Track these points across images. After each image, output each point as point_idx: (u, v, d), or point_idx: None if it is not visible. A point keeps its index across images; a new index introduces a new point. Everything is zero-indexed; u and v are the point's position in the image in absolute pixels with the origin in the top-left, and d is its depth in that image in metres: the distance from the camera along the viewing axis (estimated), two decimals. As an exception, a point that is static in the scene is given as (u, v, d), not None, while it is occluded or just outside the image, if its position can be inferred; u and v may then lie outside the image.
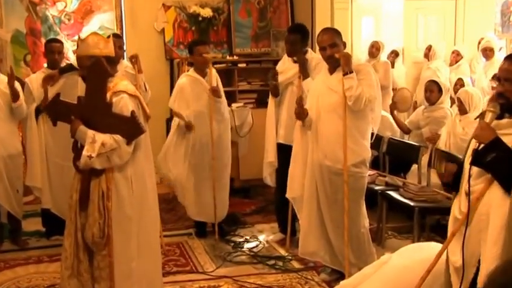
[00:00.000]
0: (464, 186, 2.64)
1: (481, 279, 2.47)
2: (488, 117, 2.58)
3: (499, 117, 2.58)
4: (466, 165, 2.65)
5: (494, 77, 5.96)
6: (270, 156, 4.96)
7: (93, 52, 3.19)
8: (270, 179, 5.07)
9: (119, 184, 3.19)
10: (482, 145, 2.53)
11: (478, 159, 2.53)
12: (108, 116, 3.14)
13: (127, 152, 3.13)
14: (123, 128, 3.11)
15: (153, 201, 3.41)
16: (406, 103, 6.05)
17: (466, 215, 2.58)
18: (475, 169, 2.58)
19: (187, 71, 5.36)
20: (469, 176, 2.58)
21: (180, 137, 5.05)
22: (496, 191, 2.52)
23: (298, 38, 4.78)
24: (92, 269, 3.25)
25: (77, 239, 3.23)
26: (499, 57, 6.74)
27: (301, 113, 3.95)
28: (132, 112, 3.12)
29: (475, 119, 2.88)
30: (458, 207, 2.70)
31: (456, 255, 2.61)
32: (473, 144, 2.58)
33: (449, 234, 2.74)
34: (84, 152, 3.10)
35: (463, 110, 5.16)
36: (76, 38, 6.64)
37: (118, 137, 3.10)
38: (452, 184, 2.80)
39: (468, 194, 2.58)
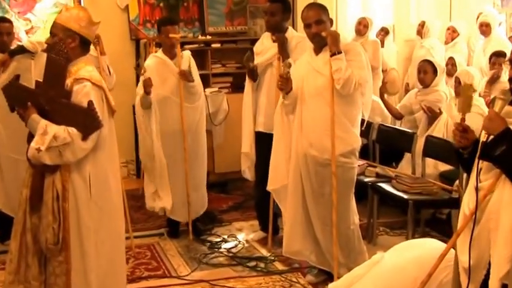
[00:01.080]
0: (473, 181, 2.63)
1: (493, 284, 2.49)
2: (498, 105, 2.56)
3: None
4: (476, 160, 2.63)
5: (493, 56, 6.03)
6: (245, 146, 4.96)
7: (70, 25, 3.15)
8: (249, 173, 5.07)
9: (76, 185, 3.12)
10: (491, 137, 2.51)
11: (486, 152, 2.52)
12: (66, 105, 3.08)
13: (81, 149, 3.06)
14: (79, 120, 3.05)
15: (117, 205, 3.34)
16: (395, 85, 6.08)
17: (472, 212, 2.59)
18: (485, 163, 2.57)
19: (155, 52, 5.33)
20: (478, 170, 2.58)
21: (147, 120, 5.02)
22: (507, 188, 2.51)
23: (279, 7, 4.78)
24: (44, 275, 3.17)
25: (25, 240, 3.15)
26: (498, 34, 6.82)
27: (285, 83, 3.90)
28: (89, 103, 3.04)
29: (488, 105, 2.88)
30: (467, 203, 2.68)
31: (465, 255, 2.62)
32: (483, 136, 2.57)
33: (455, 233, 2.75)
34: (33, 144, 3.03)
35: (460, 93, 5.19)
36: (28, 16, 6.66)
37: (73, 130, 3.02)
38: (468, 156, 2.72)
39: (476, 189, 2.58)
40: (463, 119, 2.70)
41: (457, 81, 5.27)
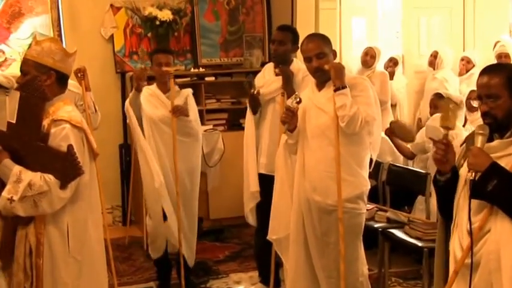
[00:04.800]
0: (465, 225, 2.71)
1: None
2: (478, 141, 2.69)
3: (489, 139, 2.72)
4: (463, 201, 2.75)
5: (472, 95, 6.10)
6: (252, 184, 4.89)
7: (43, 61, 3.12)
8: (251, 217, 5.01)
9: (52, 239, 3.06)
10: (478, 174, 2.62)
11: (478, 190, 2.62)
12: (42, 150, 3.03)
13: (60, 198, 2.99)
14: (57, 166, 2.99)
15: (99, 258, 3.29)
16: (407, 133, 6.00)
17: (466, 253, 2.66)
18: (473, 203, 2.66)
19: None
20: (469, 211, 2.65)
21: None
22: (504, 225, 2.60)
23: (289, 36, 4.80)
24: None
25: None
26: (517, 65, 6.87)
27: (290, 117, 3.85)
28: (69, 147, 2.99)
29: (461, 146, 2.99)
30: (459, 245, 2.76)
31: None
32: (469, 175, 2.67)
33: (450, 275, 2.78)
34: (4, 193, 2.95)
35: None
36: (1, 47, 6.67)
37: (50, 177, 2.96)
38: (443, 184, 2.84)
39: (470, 232, 2.65)
40: (445, 134, 2.83)
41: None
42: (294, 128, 3.94)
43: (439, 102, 5.26)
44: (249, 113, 4.97)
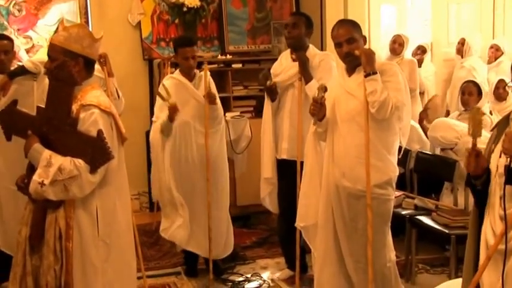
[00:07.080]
0: (497, 210, 2.71)
1: None
2: None
3: None
4: (495, 187, 2.73)
5: (501, 84, 6.06)
6: (267, 171, 4.95)
7: (72, 47, 3.12)
8: (269, 201, 5.07)
9: (82, 222, 3.09)
10: None
11: None
12: (71, 134, 3.04)
13: (89, 182, 3.03)
14: (87, 151, 3.01)
15: (127, 242, 3.32)
16: (437, 111, 6.04)
17: (499, 239, 2.65)
18: (508, 190, 2.64)
19: (171, 73, 5.38)
20: (504, 197, 2.64)
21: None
22: None
23: (302, 20, 4.84)
24: None
25: (25, 285, 3.11)
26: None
27: (318, 109, 3.90)
28: (99, 132, 3.01)
29: (491, 131, 2.97)
30: (491, 231, 2.75)
31: None
32: (504, 160, 2.65)
33: (483, 260, 2.78)
34: (35, 177, 2.99)
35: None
36: (29, 33, 6.76)
37: (80, 162, 2.99)
38: (481, 188, 2.82)
39: (505, 218, 2.63)
40: (474, 144, 2.79)
41: None
42: (323, 117, 3.97)
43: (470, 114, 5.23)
44: (267, 100, 5.01)
